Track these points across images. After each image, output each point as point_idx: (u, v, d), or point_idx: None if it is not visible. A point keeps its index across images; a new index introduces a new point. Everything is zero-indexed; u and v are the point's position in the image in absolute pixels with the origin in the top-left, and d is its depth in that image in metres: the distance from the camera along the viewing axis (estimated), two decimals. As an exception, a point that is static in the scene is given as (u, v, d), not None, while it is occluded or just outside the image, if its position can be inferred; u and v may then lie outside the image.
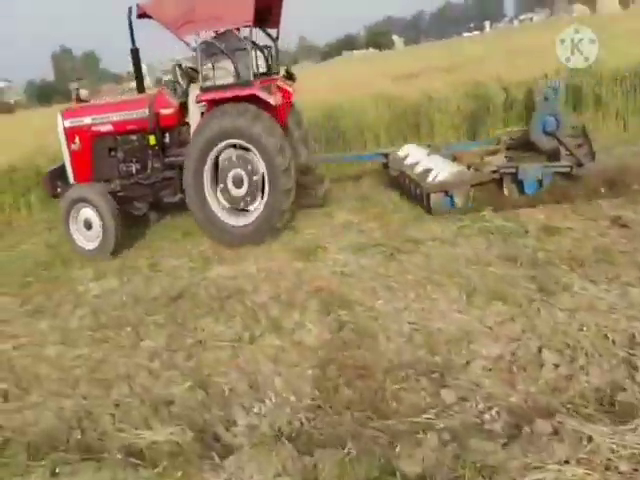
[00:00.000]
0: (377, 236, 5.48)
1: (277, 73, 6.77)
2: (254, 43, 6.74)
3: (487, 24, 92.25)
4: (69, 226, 6.27)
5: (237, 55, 5.84)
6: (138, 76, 6.55)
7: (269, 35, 6.76)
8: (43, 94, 60.50)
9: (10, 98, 75.37)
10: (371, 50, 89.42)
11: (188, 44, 5.73)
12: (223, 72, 5.92)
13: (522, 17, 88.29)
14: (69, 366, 3.84)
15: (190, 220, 6.35)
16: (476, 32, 76.77)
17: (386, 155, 6.83)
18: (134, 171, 6.44)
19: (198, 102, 5.89)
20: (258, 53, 6.55)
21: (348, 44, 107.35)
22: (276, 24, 6.66)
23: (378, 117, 9.46)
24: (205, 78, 5.84)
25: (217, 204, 6.00)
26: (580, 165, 5.61)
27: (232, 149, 5.88)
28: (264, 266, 5.07)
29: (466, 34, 75.87)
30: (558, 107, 6.21)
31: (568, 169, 5.69)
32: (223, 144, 5.79)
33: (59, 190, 6.52)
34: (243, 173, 5.87)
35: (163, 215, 7.12)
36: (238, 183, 5.93)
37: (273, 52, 6.67)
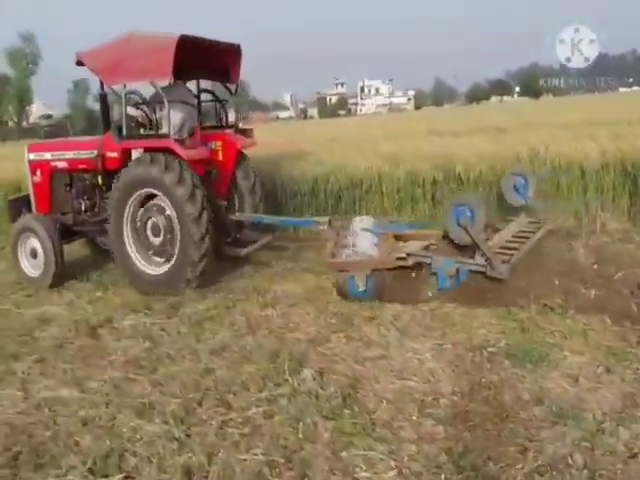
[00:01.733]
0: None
1: (232, 126, 6.78)
2: (215, 95, 6.90)
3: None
4: (17, 252, 6.68)
5: (159, 107, 5.94)
6: (104, 119, 6.86)
7: (228, 89, 6.83)
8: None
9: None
10: (517, 98, 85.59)
11: (117, 93, 5.94)
12: (148, 122, 6.05)
13: (698, 74, 79.24)
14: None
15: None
16: (636, 87, 70.30)
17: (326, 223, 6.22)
18: (84, 208, 6.76)
19: (120, 150, 6.04)
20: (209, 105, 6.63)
21: (495, 89, 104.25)
22: (235, 80, 6.72)
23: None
24: (128, 127, 6.01)
25: (136, 251, 6.06)
26: (492, 266, 4.73)
27: (156, 199, 5.92)
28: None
29: (623, 89, 69.68)
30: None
31: (483, 269, 4.83)
32: (139, 192, 5.86)
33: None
34: (160, 222, 5.89)
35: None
36: (156, 232, 5.96)
37: (231, 106, 6.73)
